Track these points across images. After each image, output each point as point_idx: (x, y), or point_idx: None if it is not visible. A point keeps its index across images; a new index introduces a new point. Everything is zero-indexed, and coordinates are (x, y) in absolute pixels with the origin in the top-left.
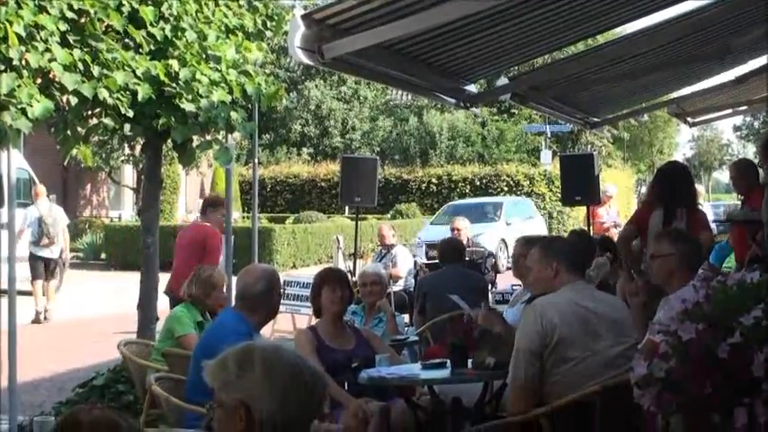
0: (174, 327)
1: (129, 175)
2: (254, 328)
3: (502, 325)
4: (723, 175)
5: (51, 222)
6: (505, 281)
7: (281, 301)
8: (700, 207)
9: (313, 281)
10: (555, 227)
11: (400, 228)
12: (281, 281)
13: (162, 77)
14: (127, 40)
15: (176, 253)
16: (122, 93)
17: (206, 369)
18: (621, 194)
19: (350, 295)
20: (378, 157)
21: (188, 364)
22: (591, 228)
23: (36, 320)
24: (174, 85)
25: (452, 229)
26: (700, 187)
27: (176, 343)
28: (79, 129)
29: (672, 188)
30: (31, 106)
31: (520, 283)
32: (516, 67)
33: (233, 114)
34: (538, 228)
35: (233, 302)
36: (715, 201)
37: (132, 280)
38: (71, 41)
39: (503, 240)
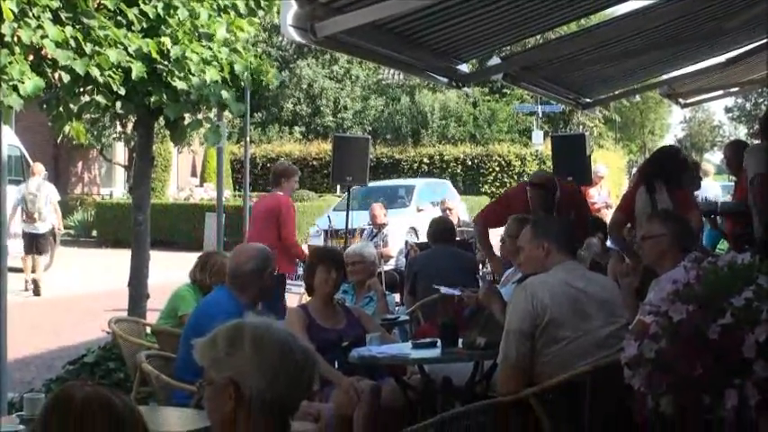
0: (178, 305)
1: (120, 152)
2: (245, 307)
3: (500, 303)
4: (715, 157)
5: (32, 199)
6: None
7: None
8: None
9: (308, 258)
10: None
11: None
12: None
13: (154, 55)
14: (119, 18)
15: (251, 224)
16: (114, 70)
17: (196, 347)
18: (613, 175)
19: (344, 276)
20: (369, 137)
21: (178, 342)
22: None
23: (25, 290)
24: (165, 62)
25: (443, 209)
26: (708, 165)
27: (179, 322)
28: (71, 105)
29: (660, 167)
30: (23, 83)
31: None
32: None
33: (224, 93)
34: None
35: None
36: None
37: (123, 257)
38: (63, 18)
39: (413, 229)
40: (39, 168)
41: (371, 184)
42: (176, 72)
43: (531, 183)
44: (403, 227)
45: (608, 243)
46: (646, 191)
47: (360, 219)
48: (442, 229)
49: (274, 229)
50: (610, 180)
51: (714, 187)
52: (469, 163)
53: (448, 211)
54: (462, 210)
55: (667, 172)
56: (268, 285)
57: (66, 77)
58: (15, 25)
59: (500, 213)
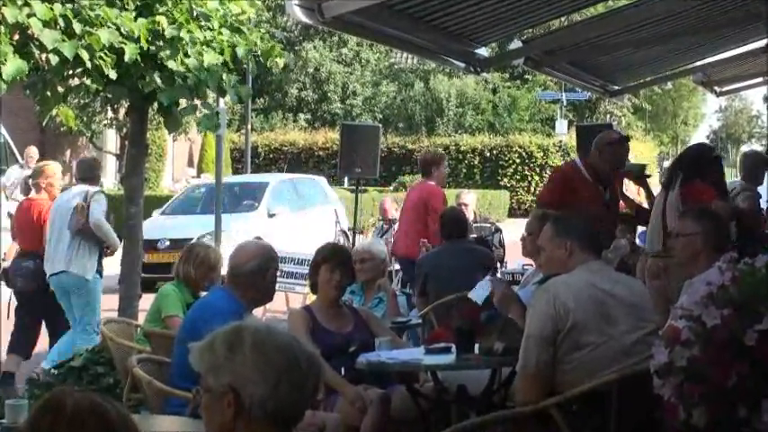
0: (162, 305)
1: (111, 140)
2: (244, 308)
3: (519, 307)
4: (753, 149)
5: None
6: (516, 258)
7: None
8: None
9: (314, 255)
10: None
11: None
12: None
13: (148, 36)
14: None
15: (402, 215)
16: (106, 52)
17: (192, 351)
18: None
19: (350, 278)
20: (380, 125)
21: (173, 346)
22: None
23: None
24: (160, 44)
25: (458, 204)
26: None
27: (164, 324)
28: (59, 88)
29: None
30: (4, 64)
31: (531, 262)
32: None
33: (224, 77)
34: (322, 220)
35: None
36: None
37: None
38: None
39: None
40: (33, 152)
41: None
42: (172, 54)
43: (614, 139)
44: (244, 238)
45: (637, 241)
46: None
47: (197, 226)
48: (454, 223)
49: (424, 221)
50: None
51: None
52: (488, 154)
53: (463, 207)
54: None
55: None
56: (270, 287)
57: (54, 59)
58: (0, 2)
59: (561, 195)
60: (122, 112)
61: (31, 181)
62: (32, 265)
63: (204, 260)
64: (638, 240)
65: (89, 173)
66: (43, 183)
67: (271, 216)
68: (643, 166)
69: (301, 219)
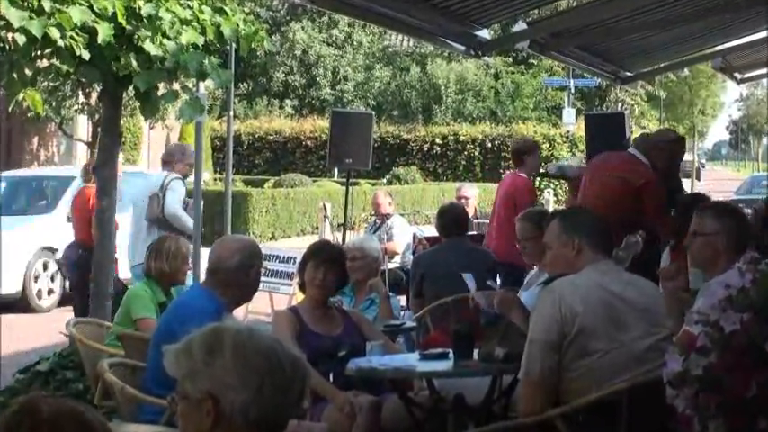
0: (132, 307)
1: (82, 127)
2: (224, 308)
3: (521, 311)
4: None
5: None
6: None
7: None
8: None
9: (305, 251)
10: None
11: (398, 195)
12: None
13: (123, 14)
14: None
15: (492, 212)
16: (78, 32)
17: (167, 355)
18: None
19: (341, 278)
20: (373, 113)
21: (148, 349)
22: None
23: None
24: (136, 23)
25: (458, 198)
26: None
27: (135, 326)
28: (27, 71)
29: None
30: None
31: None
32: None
33: (205, 60)
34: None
35: (201, 278)
36: None
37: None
38: None
39: (48, 249)
40: None
41: (10, 173)
42: (149, 34)
43: (673, 139)
44: (30, 245)
45: None
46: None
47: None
48: (452, 219)
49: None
50: None
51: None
52: (489, 145)
53: (463, 201)
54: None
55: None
56: (253, 284)
57: (21, 39)
58: None
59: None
60: (95, 96)
61: (90, 168)
62: (74, 256)
63: (176, 252)
64: None
65: (167, 157)
66: (177, 163)
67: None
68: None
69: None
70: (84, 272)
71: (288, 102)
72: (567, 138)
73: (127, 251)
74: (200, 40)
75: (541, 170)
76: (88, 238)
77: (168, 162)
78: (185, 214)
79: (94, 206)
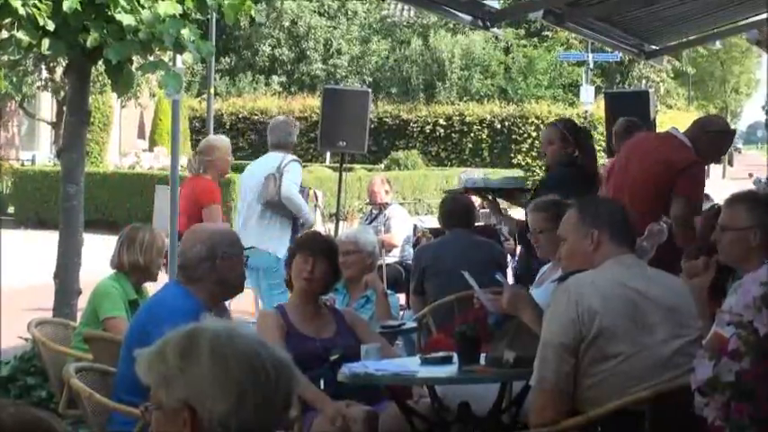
0: (100, 304)
1: (46, 105)
2: (202, 307)
3: (532, 310)
4: None
5: None
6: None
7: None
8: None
9: (292, 243)
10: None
11: (397, 182)
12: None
13: None
14: None
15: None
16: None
17: (140, 360)
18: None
19: (334, 274)
20: (370, 90)
21: (118, 352)
22: None
23: None
24: None
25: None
26: None
27: (103, 327)
28: None
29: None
30: None
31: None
32: None
33: (183, 30)
34: None
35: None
36: None
37: (48, 241)
38: None
39: None
40: None
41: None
42: (121, 2)
43: (723, 128)
44: None
45: None
46: None
47: None
48: (457, 209)
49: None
50: None
51: None
52: (498, 126)
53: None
54: None
55: None
56: (228, 278)
57: None
58: None
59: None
60: (60, 71)
61: (197, 158)
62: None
63: (151, 243)
64: None
65: (284, 138)
66: (208, 160)
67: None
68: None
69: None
70: None
71: (275, 78)
72: (585, 118)
73: None
74: (178, 9)
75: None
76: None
77: (281, 145)
78: (302, 198)
79: (205, 200)
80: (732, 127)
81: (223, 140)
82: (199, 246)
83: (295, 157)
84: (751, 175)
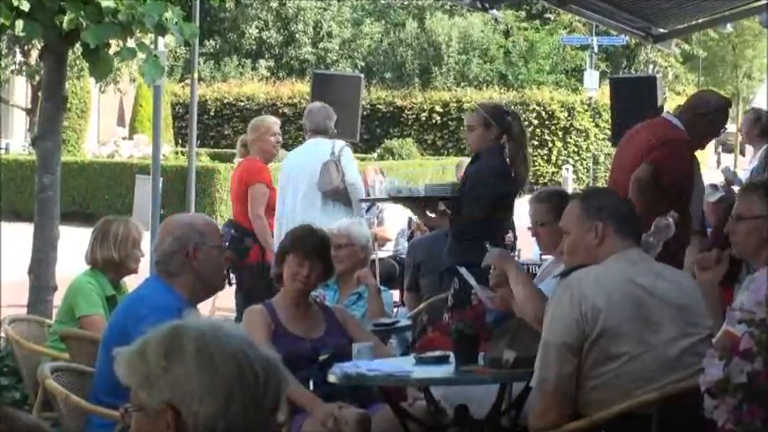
0: (75, 302)
1: (20, 90)
2: (185, 303)
3: (517, 271)
4: None
5: None
6: (530, 246)
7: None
8: None
9: (281, 240)
10: (602, 175)
11: (391, 172)
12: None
13: None
14: None
15: None
16: None
17: (119, 360)
18: None
19: (327, 272)
20: (362, 75)
21: (96, 351)
22: None
23: None
24: None
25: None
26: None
27: (78, 324)
28: None
29: None
30: None
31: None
32: None
33: (166, 12)
34: None
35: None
36: None
37: (22, 234)
38: None
39: None
40: None
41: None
42: None
43: (722, 105)
44: None
45: None
46: None
47: None
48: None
49: None
50: None
51: None
52: None
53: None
54: None
55: None
56: (206, 270)
57: None
58: None
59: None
60: (35, 55)
61: (243, 140)
62: (226, 237)
63: (125, 236)
64: None
65: (324, 124)
66: (254, 141)
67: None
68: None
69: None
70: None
71: (262, 62)
72: (590, 105)
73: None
74: None
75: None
76: (243, 217)
77: (321, 131)
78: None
79: (250, 180)
80: (736, 110)
81: (265, 121)
82: (170, 239)
83: (346, 142)
84: None
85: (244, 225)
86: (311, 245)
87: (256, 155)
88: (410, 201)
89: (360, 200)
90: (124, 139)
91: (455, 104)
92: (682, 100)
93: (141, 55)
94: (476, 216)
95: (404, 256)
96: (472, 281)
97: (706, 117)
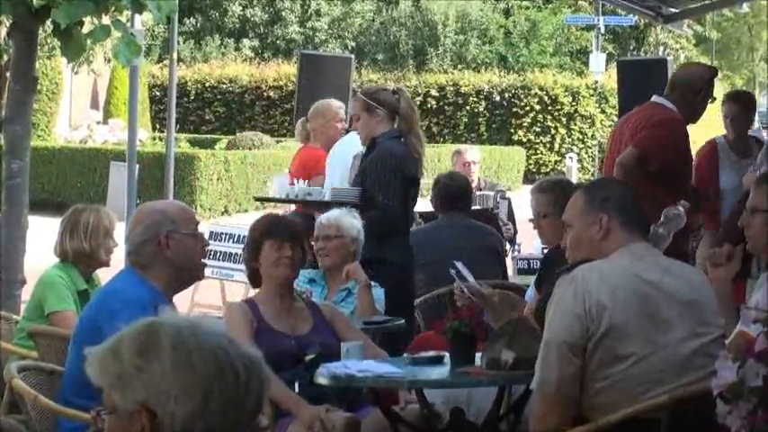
0: (44, 298)
1: None
2: (161, 297)
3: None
4: None
5: None
6: (532, 239)
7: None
8: None
9: (249, 233)
10: None
11: None
12: (204, 229)
13: None
14: None
15: None
16: None
17: (91, 358)
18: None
19: (302, 256)
20: (352, 56)
21: (67, 349)
22: None
23: None
24: None
25: (463, 163)
26: None
27: (48, 321)
28: None
29: None
30: None
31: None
32: None
33: None
34: None
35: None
36: None
37: None
38: None
39: None
40: None
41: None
42: None
43: (729, 97)
44: None
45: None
46: None
47: None
48: (451, 191)
49: None
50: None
51: None
52: (497, 98)
53: (469, 167)
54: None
55: None
56: (180, 259)
57: None
58: None
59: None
60: (3, 32)
61: (305, 125)
62: None
63: (96, 225)
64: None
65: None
66: (319, 127)
67: None
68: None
69: None
70: None
71: (246, 42)
72: (595, 89)
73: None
74: None
75: None
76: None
77: None
78: None
79: (313, 172)
80: (713, 67)
81: (330, 105)
82: (140, 227)
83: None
84: None
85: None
86: (285, 229)
87: (319, 142)
88: (314, 205)
89: (255, 197)
90: (98, 123)
91: (452, 88)
92: None
93: (116, 33)
94: (393, 204)
95: None
96: (470, 277)
97: (699, 93)
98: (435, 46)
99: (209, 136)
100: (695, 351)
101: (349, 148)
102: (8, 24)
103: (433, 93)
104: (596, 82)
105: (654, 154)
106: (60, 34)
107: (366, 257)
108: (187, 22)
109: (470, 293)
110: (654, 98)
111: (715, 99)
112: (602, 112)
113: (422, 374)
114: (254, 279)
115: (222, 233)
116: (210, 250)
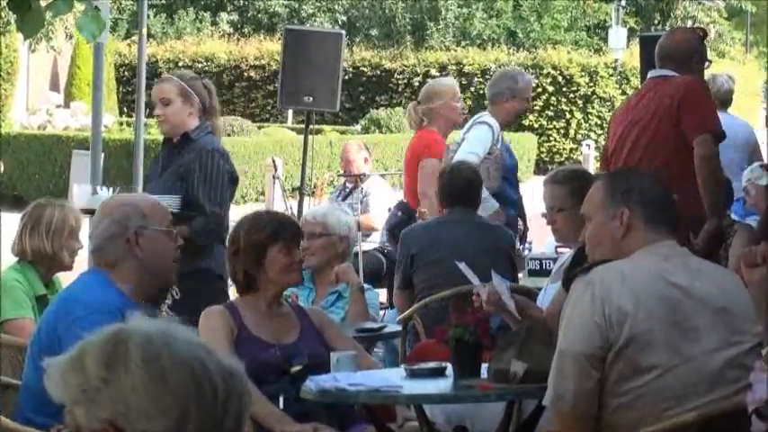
0: None
1: None
2: (130, 302)
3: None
4: None
5: None
6: (544, 237)
7: None
8: None
9: (246, 235)
10: None
11: (377, 148)
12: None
13: None
14: None
15: None
16: None
17: (50, 371)
18: (742, 99)
19: None
20: (343, 32)
21: (23, 361)
22: None
23: None
24: None
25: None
26: None
27: (3, 329)
28: None
29: None
30: None
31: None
32: None
33: None
34: None
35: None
36: None
37: None
38: None
39: None
40: None
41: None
42: None
43: (703, 36)
44: None
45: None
46: None
47: None
48: (459, 184)
49: None
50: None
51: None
52: None
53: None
54: None
55: None
56: (150, 260)
57: None
58: None
59: None
60: None
61: (418, 108)
62: (393, 220)
63: (61, 223)
64: (732, 214)
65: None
66: (436, 109)
67: None
68: None
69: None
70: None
71: (224, 16)
72: (615, 69)
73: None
74: None
75: None
76: (414, 197)
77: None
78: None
79: (423, 154)
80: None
81: (447, 84)
82: (107, 221)
83: (485, 115)
84: None
85: (416, 207)
86: (295, 230)
87: (435, 125)
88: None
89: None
90: (58, 107)
91: (454, 67)
92: (726, 63)
93: (79, 6)
94: (220, 212)
95: (391, 248)
96: (474, 279)
97: (692, 59)
98: (436, 20)
99: None
100: (727, 363)
101: None
102: None
103: (433, 72)
104: (616, 60)
105: (717, 123)
106: (16, 7)
107: (186, 271)
108: None
109: (491, 303)
110: (656, 72)
111: (711, 62)
112: (623, 93)
113: (421, 388)
114: (249, 286)
115: None
116: None
